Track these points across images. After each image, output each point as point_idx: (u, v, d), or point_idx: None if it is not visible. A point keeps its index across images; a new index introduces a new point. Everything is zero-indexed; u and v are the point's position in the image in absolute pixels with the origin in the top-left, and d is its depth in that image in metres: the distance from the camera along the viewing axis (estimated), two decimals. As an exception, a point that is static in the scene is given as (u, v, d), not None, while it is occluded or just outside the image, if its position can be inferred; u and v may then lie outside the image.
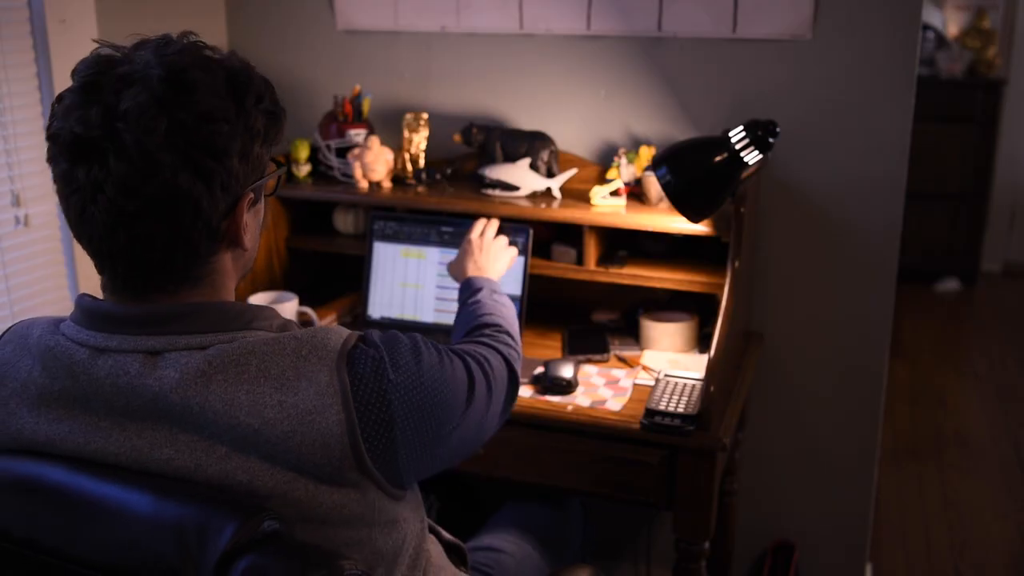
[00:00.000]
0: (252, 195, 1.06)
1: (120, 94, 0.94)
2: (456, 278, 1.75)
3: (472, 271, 1.72)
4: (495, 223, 1.85)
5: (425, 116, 2.16)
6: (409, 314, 2.13)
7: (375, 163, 2.11)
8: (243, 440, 0.96)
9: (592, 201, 2.01)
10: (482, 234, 1.80)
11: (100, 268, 1.02)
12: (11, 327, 1.09)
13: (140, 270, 1.00)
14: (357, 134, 2.19)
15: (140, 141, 0.93)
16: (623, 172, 2.05)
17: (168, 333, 0.99)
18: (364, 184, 2.12)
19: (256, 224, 1.11)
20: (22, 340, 1.05)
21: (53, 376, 1.00)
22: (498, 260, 1.76)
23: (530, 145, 2.10)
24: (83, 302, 1.04)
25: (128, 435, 0.98)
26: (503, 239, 1.82)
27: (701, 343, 2.05)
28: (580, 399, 1.80)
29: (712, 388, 1.66)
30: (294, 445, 0.96)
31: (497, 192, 2.08)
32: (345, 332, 1.05)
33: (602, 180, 2.12)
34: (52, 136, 0.97)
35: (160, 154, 0.93)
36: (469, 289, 1.62)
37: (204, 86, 0.98)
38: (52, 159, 0.98)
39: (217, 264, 1.05)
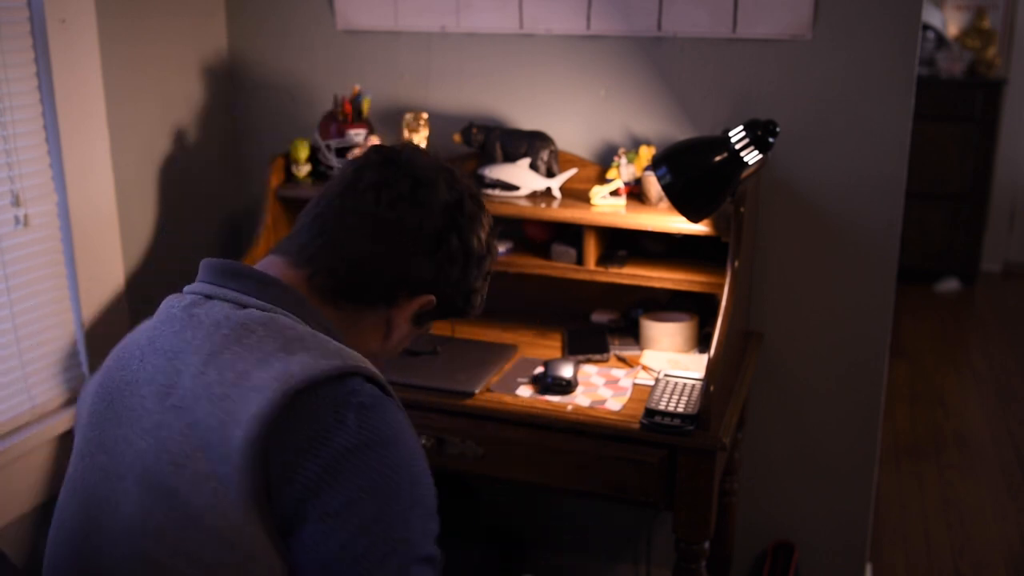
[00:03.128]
0: (430, 300, 1.16)
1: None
2: None
3: None
4: None
5: (425, 116, 2.16)
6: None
7: (375, 163, 2.11)
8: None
9: (592, 201, 2.01)
10: None
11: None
12: None
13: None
14: (357, 134, 2.19)
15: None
16: (623, 172, 2.05)
17: (237, 291, 1.07)
18: (364, 184, 2.12)
19: (406, 333, 1.19)
20: None
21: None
22: None
23: (530, 145, 2.10)
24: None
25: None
26: None
27: (701, 343, 2.05)
28: (580, 399, 1.80)
29: (712, 388, 1.66)
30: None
31: (497, 192, 2.08)
32: (360, 367, 1.02)
33: (602, 180, 2.12)
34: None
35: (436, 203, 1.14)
36: None
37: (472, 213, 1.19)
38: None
39: (366, 317, 1.14)
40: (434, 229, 1.13)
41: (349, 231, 1.12)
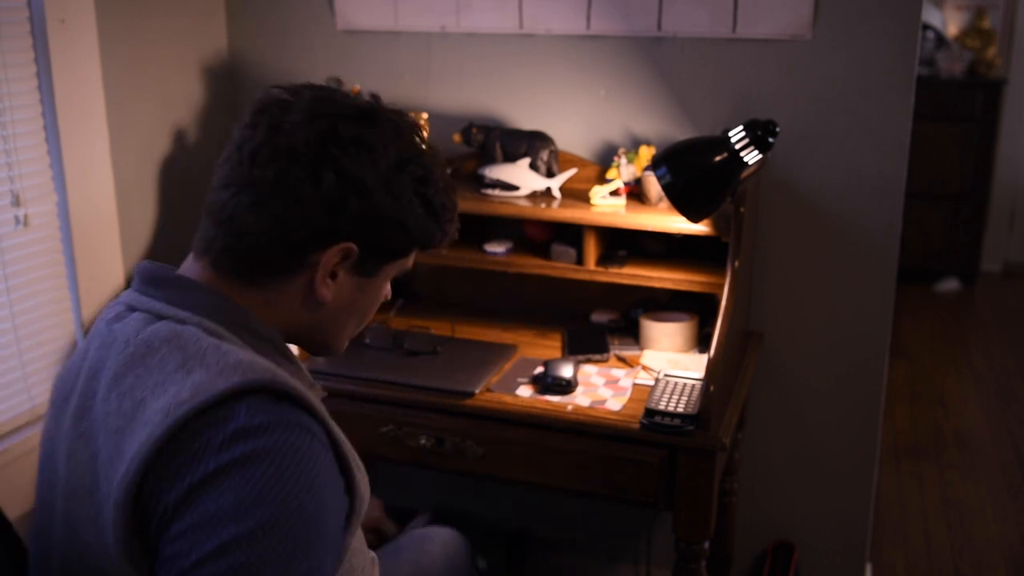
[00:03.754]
0: (347, 249, 1.03)
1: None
2: None
3: None
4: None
5: (425, 116, 2.16)
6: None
7: (375, 163, 2.11)
8: None
9: (592, 201, 2.01)
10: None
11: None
12: None
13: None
14: (357, 134, 2.18)
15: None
16: (623, 172, 2.05)
17: (159, 299, 1.03)
18: (364, 184, 2.12)
19: (354, 292, 1.08)
20: None
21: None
22: None
23: (530, 145, 2.10)
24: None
25: None
26: None
27: (701, 343, 2.05)
28: (580, 399, 1.80)
29: (712, 388, 1.66)
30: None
31: (497, 192, 2.08)
32: (263, 382, 0.93)
33: (602, 180, 2.12)
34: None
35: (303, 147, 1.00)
36: None
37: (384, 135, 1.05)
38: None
39: (290, 287, 1.04)
40: (304, 171, 0.99)
41: (228, 203, 1.02)
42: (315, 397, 1.01)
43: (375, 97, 1.09)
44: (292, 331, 1.07)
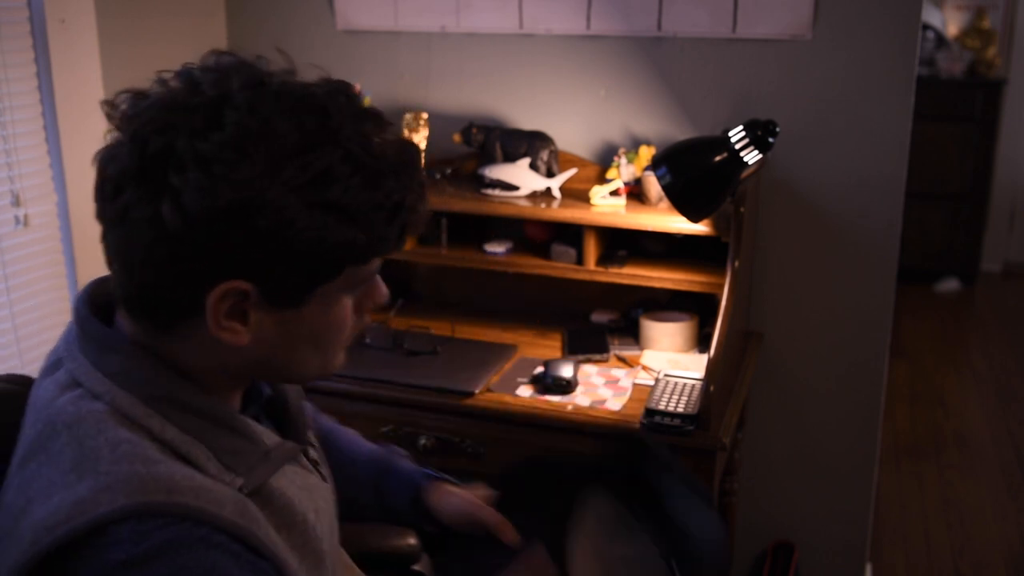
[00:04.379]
0: (240, 288, 0.82)
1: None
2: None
3: None
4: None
5: (425, 116, 2.16)
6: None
7: (375, 163, 2.10)
8: None
9: (592, 201, 2.01)
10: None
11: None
12: None
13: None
14: (357, 134, 2.18)
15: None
16: (623, 172, 2.05)
17: (83, 355, 0.87)
18: (364, 184, 2.12)
19: (286, 326, 0.87)
20: None
21: None
22: None
23: (530, 145, 2.10)
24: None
25: None
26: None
27: (701, 343, 2.05)
28: (580, 399, 1.80)
29: (712, 388, 1.66)
30: None
31: (497, 192, 2.08)
32: (137, 502, 0.76)
33: (602, 180, 2.12)
34: None
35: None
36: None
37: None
38: None
39: (199, 332, 0.84)
40: (142, 207, 0.79)
41: (104, 243, 0.86)
42: (234, 500, 0.82)
43: (249, 66, 0.88)
44: (247, 370, 0.90)
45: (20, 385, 1.01)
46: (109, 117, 0.84)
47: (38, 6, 1.88)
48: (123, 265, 0.83)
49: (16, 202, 1.90)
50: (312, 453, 1.03)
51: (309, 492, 0.95)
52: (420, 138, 2.16)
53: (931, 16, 4.98)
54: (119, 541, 0.74)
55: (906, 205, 2.04)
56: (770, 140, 1.71)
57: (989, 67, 4.93)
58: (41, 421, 0.84)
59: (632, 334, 2.07)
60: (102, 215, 0.84)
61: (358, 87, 2.27)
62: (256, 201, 0.78)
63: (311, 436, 1.05)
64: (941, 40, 4.98)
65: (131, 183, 0.80)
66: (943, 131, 4.79)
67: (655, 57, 2.12)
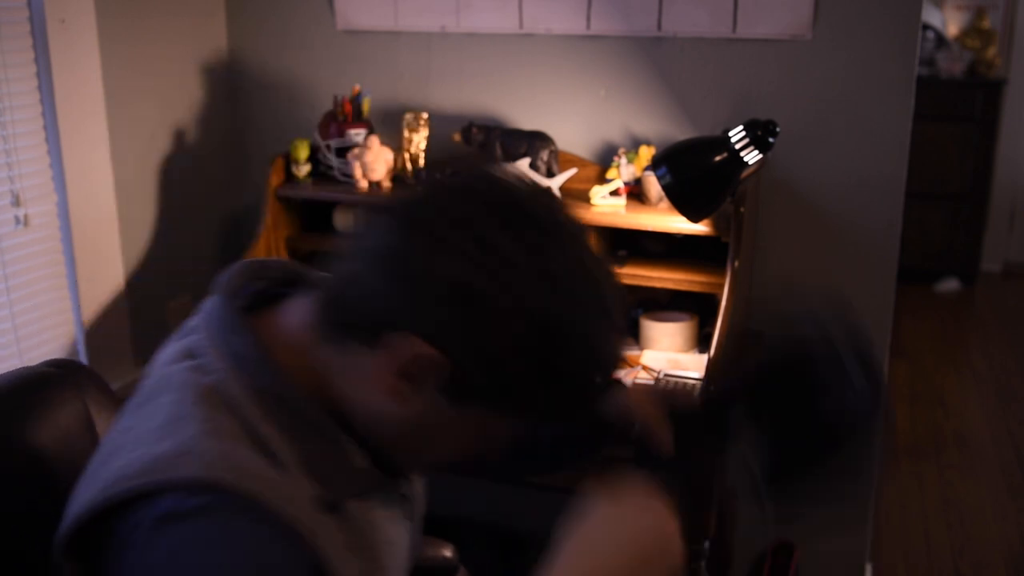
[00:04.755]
0: (428, 355, 0.78)
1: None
2: None
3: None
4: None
5: (425, 116, 2.16)
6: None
7: (375, 163, 2.11)
8: None
9: (592, 201, 2.01)
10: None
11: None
12: None
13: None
14: (357, 134, 2.19)
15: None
16: (623, 172, 2.05)
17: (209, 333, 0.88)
18: (364, 184, 2.12)
19: (431, 410, 0.83)
20: None
21: None
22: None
23: (530, 145, 2.10)
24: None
25: None
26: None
27: (701, 343, 2.05)
28: (580, 399, 1.79)
29: (712, 388, 1.66)
30: None
31: (497, 192, 2.08)
32: (209, 477, 0.75)
33: (602, 180, 2.12)
34: None
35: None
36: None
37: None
38: None
39: (359, 361, 0.83)
40: (398, 242, 0.80)
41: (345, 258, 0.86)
42: (303, 502, 0.80)
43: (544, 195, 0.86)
44: (367, 418, 0.87)
45: (61, 368, 1.06)
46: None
47: (38, 6, 1.88)
48: (345, 279, 0.84)
49: (16, 202, 1.90)
50: (405, 489, 0.99)
51: (389, 523, 0.93)
52: (420, 138, 2.16)
53: (931, 16, 4.98)
54: (175, 500, 0.75)
55: (906, 205, 2.04)
56: (770, 140, 1.71)
57: (989, 67, 4.94)
58: (154, 377, 0.86)
59: (632, 334, 2.07)
60: (339, 248, 0.85)
61: (358, 88, 2.29)
62: (494, 314, 0.77)
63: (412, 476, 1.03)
64: (941, 40, 4.98)
65: (422, 222, 0.80)
66: (943, 131, 4.79)
67: (655, 57, 2.12)
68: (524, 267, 0.77)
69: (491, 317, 0.77)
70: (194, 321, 0.91)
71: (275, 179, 2.18)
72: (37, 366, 1.09)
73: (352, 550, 0.85)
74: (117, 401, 1.11)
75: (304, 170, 2.21)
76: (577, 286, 0.80)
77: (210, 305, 0.90)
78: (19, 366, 1.88)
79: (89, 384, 1.10)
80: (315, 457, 0.84)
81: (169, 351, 0.89)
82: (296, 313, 0.89)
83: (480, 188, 0.84)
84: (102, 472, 0.80)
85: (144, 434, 0.80)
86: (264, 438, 0.81)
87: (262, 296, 0.92)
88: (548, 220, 0.82)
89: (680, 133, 2.12)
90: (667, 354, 2.01)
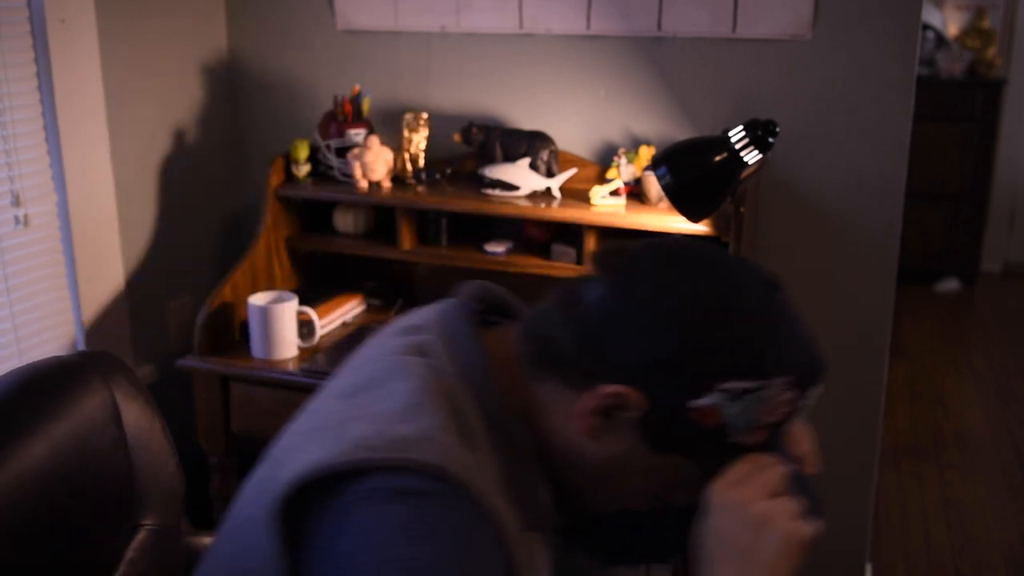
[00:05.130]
0: (623, 395, 0.82)
1: None
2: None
3: None
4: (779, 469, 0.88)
5: (425, 116, 2.16)
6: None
7: (375, 163, 2.11)
8: None
9: (592, 201, 2.01)
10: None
11: None
12: None
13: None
14: (357, 134, 2.19)
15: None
16: (623, 172, 2.05)
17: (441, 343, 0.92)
18: (364, 184, 2.12)
19: (628, 454, 0.85)
20: None
21: None
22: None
23: (530, 145, 2.10)
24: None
25: None
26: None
27: (701, 343, 2.05)
28: (580, 399, 1.79)
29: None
30: None
31: (497, 192, 2.08)
32: (447, 467, 0.79)
33: (602, 180, 2.12)
34: None
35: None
36: None
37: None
38: None
39: (560, 398, 0.86)
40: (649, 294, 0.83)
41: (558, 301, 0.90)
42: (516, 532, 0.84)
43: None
44: (557, 452, 0.89)
45: (89, 358, 1.11)
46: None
47: (38, 6, 1.88)
48: (557, 319, 0.87)
49: (16, 202, 1.90)
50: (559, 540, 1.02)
51: (544, 568, 0.97)
52: (420, 138, 2.16)
53: (931, 16, 4.98)
54: (412, 479, 0.78)
55: (906, 205, 2.04)
56: (770, 140, 1.71)
57: (989, 67, 4.94)
58: (379, 363, 0.89)
59: (632, 334, 2.07)
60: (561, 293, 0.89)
61: (358, 88, 2.29)
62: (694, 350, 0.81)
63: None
64: (941, 40, 4.98)
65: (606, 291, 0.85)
66: (943, 131, 4.79)
67: (655, 57, 2.12)
68: (738, 316, 0.83)
69: (701, 363, 0.80)
70: (419, 320, 0.95)
71: (275, 179, 2.18)
72: (65, 355, 1.13)
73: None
74: (143, 389, 1.16)
75: (304, 170, 2.21)
76: (795, 338, 0.88)
77: (445, 309, 0.94)
78: (19, 366, 1.88)
79: (116, 373, 1.14)
80: (515, 479, 0.87)
81: (394, 343, 0.92)
82: (509, 341, 0.92)
83: (695, 254, 0.87)
84: (335, 435, 0.82)
85: (383, 413, 0.83)
86: (481, 450, 0.85)
87: (479, 317, 0.96)
88: (758, 276, 0.89)
89: (680, 133, 2.12)
90: (667, 354, 2.01)
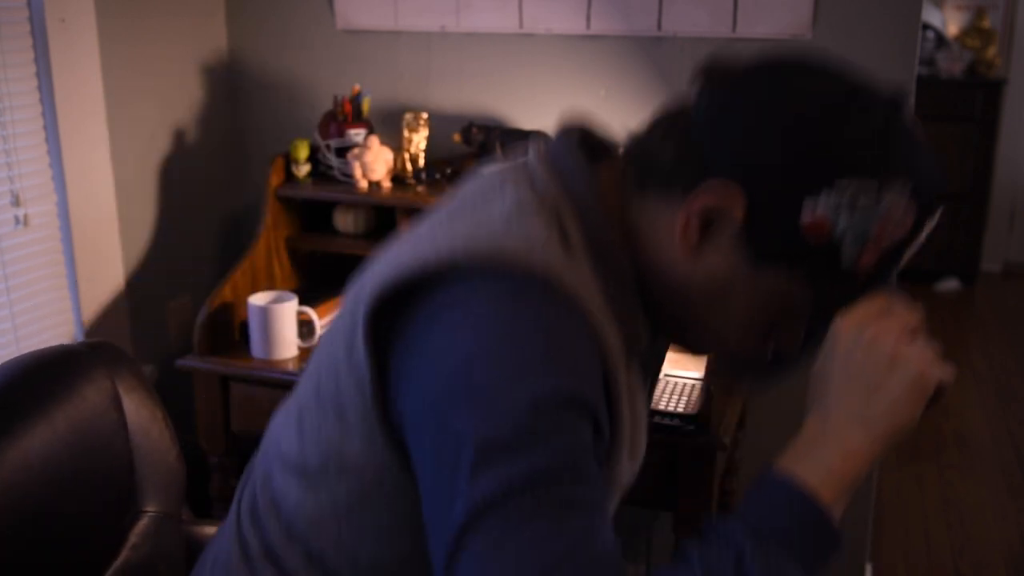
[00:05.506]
0: (733, 195, 0.78)
1: None
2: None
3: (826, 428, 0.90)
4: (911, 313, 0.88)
5: (425, 116, 2.16)
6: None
7: (375, 163, 2.11)
8: None
9: (592, 201, 2.01)
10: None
11: None
12: None
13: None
14: (357, 134, 2.19)
15: None
16: (623, 172, 2.05)
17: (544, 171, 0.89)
18: (364, 184, 2.12)
19: (730, 271, 0.81)
20: None
21: None
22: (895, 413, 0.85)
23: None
24: None
25: None
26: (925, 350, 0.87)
27: (701, 343, 2.05)
28: (580, 399, 1.79)
29: (712, 387, 1.66)
30: None
31: (497, 192, 2.08)
32: (548, 275, 0.77)
33: (602, 180, 2.12)
34: None
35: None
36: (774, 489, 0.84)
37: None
38: None
39: (663, 211, 0.83)
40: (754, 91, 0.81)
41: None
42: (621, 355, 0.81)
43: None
44: (657, 282, 0.85)
45: (92, 347, 1.14)
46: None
47: (38, 6, 1.88)
48: (660, 132, 0.88)
49: (16, 202, 1.90)
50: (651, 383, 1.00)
51: (641, 403, 0.93)
52: (420, 138, 2.16)
53: (931, 16, 4.98)
54: (520, 282, 0.76)
55: (906, 205, 2.04)
56: (770, 140, 1.71)
57: (989, 67, 4.94)
58: (479, 186, 0.87)
59: (632, 334, 2.07)
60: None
61: (358, 88, 2.29)
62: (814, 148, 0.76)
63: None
64: (941, 40, 4.99)
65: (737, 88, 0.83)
66: (943, 131, 4.80)
67: (655, 57, 2.12)
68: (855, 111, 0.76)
69: (813, 156, 0.75)
70: (523, 153, 0.92)
71: (275, 179, 2.18)
72: (70, 343, 1.15)
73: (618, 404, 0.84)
74: (145, 380, 1.19)
75: (304, 170, 2.21)
76: (914, 144, 0.79)
77: (548, 140, 0.92)
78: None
79: (119, 363, 1.16)
80: (615, 303, 0.83)
81: (493, 170, 0.91)
82: (611, 170, 0.89)
83: (812, 57, 0.83)
84: (424, 244, 0.80)
85: (486, 219, 0.80)
86: (584, 268, 0.81)
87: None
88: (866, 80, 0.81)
89: (680, 133, 2.12)
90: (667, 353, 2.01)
